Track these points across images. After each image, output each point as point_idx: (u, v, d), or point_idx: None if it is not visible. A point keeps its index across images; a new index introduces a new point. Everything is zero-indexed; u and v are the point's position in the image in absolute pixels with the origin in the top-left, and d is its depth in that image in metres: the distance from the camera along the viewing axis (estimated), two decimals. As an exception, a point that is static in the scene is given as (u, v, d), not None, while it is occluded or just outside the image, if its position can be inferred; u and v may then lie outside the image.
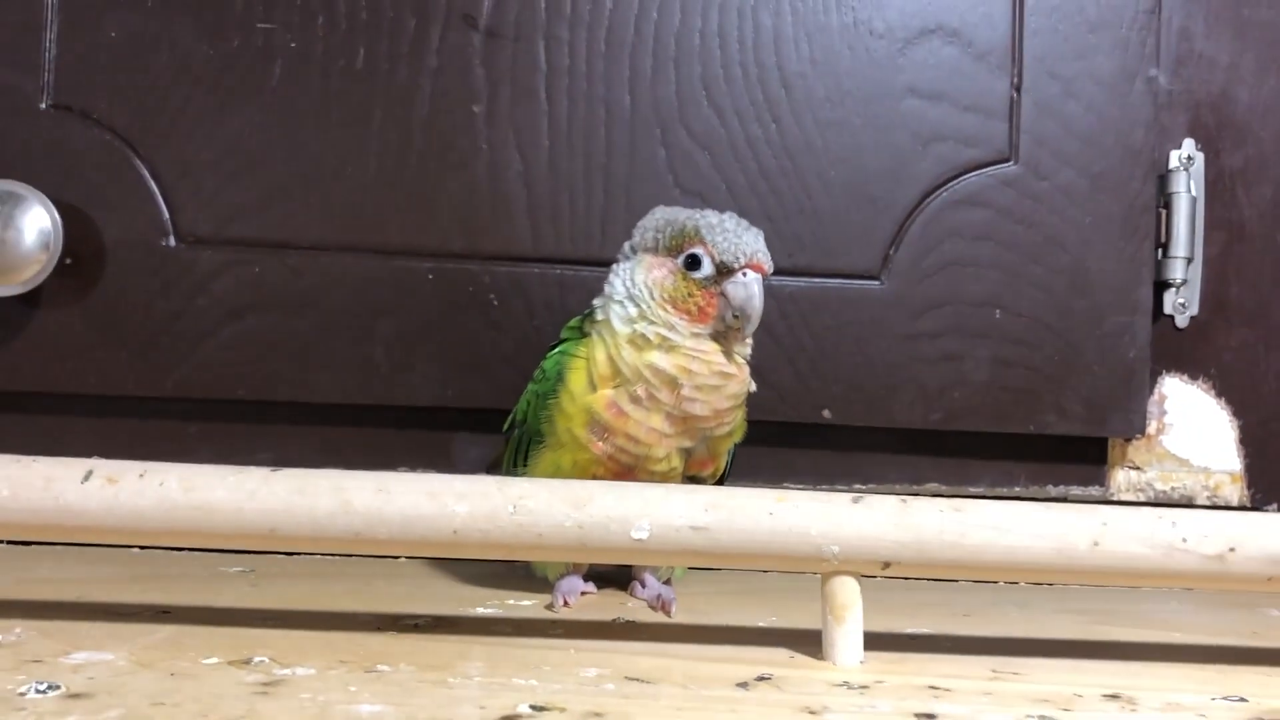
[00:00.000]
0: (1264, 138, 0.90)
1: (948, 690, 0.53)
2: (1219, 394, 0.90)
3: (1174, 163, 0.89)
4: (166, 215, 0.81)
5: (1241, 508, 0.89)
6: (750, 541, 0.56)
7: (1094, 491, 0.88)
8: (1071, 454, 0.88)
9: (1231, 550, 0.56)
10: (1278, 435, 0.90)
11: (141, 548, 0.75)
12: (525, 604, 0.68)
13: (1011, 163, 0.85)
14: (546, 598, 0.68)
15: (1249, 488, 0.90)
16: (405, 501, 0.55)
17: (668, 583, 0.72)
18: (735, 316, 0.63)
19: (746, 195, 0.84)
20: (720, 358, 0.64)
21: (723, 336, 0.64)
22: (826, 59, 0.84)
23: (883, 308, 0.84)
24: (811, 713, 0.49)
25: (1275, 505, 0.89)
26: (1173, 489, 0.89)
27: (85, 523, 0.55)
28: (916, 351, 0.84)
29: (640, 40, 0.83)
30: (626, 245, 0.68)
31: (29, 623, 0.57)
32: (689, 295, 0.64)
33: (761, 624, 0.65)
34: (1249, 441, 0.90)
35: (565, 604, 0.67)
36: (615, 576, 0.74)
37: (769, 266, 0.64)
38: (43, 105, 0.80)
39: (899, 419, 0.84)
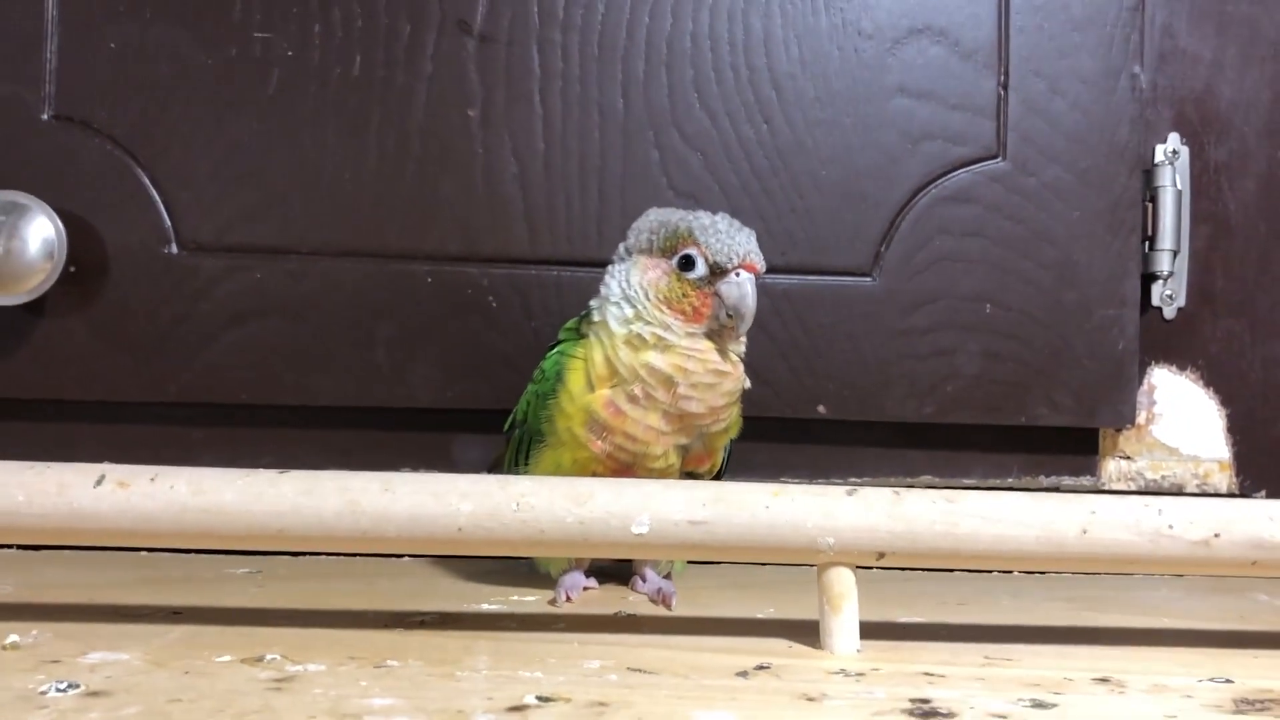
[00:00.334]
0: (1247, 132, 0.91)
1: (942, 676, 0.54)
2: (1207, 384, 0.91)
3: (1159, 157, 0.90)
4: (168, 223, 0.82)
5: (1230, 495, 0.90)
6: (747, 535, 0.57)
7: (1085, 481, 0.90)
8: (1063, 445, 0.89)
9: (1216, 536, 0.58)
10: (1264, 423, 0.91)
11: (151, 550, 0.76)
12: (529, 599, 0.69)
13: (999, 160, 0.86)
14: (549, 593, 0.69)
15: (1237, 475, 0.91)
16: (411, 501, 0.56)
17: (668, 577, 0.73)
18: (729, 316, 0.64)
19: (739, 195, 0.85)
20: (715, 356, 0.64)
21: (717, 335, 0.65)
22: (816, 60, 0.85)
23: (875, 304, 0.85)
24: (810, 700, 0.50)
25: (1263, 492, 0.90)
26: (1163, 478, 0.90)
27: (98, 526, 0.56)
28: (909, 346, 0.85)
29: (632, 44, 0.84)
30: (621, 247, 0.69)
31: (45, 625, 0.58)
32: (683, 296, 0.64)
33: (760, 615, 0.66)
34: (1236, 430, 0.91)
35: (568, 599, 0.68)
36: (616, 571, 0.75)
37: (761, 266, 0.65)
38: (44, 116, 0.81)
39: (892, 413, 0.85)
